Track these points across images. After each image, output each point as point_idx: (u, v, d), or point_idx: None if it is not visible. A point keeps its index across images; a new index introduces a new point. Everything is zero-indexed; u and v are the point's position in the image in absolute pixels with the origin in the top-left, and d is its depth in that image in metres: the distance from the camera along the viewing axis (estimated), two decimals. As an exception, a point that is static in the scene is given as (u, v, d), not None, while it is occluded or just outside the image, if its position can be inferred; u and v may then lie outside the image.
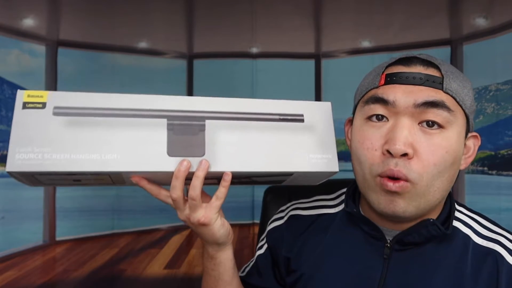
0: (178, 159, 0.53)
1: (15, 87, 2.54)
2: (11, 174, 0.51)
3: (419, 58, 0.58)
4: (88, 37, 2.70)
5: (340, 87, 2.83)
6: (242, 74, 2.79)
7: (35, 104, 0.53)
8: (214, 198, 0.57)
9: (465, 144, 0.58)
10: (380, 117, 0.57)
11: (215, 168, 0.55)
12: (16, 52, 2.55)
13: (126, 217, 2.79)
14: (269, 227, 0.74)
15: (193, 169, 0.53)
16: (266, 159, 0.57)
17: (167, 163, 0.53)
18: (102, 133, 0.52)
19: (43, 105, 0.53)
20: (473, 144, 0.60)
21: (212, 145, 0.55)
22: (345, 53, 2.88)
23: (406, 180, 0.54)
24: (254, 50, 2.81)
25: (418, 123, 0.54)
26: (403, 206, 0.55)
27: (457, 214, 0.62)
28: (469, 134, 0.59)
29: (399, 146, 0.53)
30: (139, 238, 2.79)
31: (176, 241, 2.80)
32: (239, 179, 0.59)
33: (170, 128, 0.55)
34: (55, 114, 0.52)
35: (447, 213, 0.61)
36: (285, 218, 0.72)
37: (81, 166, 0.51)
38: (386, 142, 0.55)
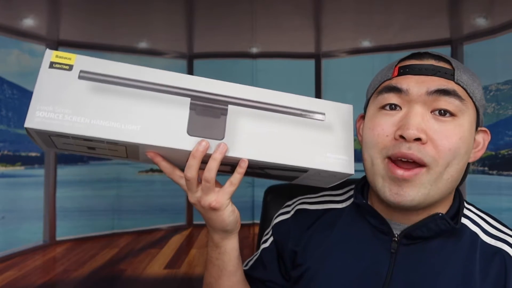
0: (197, 139, 0.53)
1: (15, 87, 2.54)
2: (28, 130, 0.50)
3: (431, 53, 0.59)
4: (88, 37, 2.70)
5: (340, 87, 2.83)
6: (242, 74, 2.79)
7: (62, 65, 0.52)
8: (227, 184, 0.57)
9: (474, 139, 0.59)
10: (393, 107, 0.57)
11: (233, 153, 0.55)
12: (16, 52, 2.55)
13: (126, 217, 2.79)
14: (275, 221, 0.74)
15: (210, 151, 0.53)
16: (284, 151, 0.57)
17: (186, 142, 0.53)
18: (125, 103, 0.52)
19: (70, 67, 0.52)
20: (483, 138, 0.61)
21: (232, 130, 0.55)
22: (345, 53, 2.88)
23: (422, 164, 0.54)
24: (254, 50, 2.81)
25: (431, 112, 0.55)
26: (412, 194, 0.55)
27: (466, 211, 0.62)
28: (479, 129, 0.60)
29: (413, 131, 0.53)
30: (139, 238, 2.79)
31: (176, 241, 2.80)
32: (253, 168, 0.59)
33: (193, 107, 0.54)
34: (80, 77, 0.51)
35: (456, 209, 0.61)
36: (292, 212, 0.72)
37: (100, 132, 0.50)
38: (399, 128, 0.55)
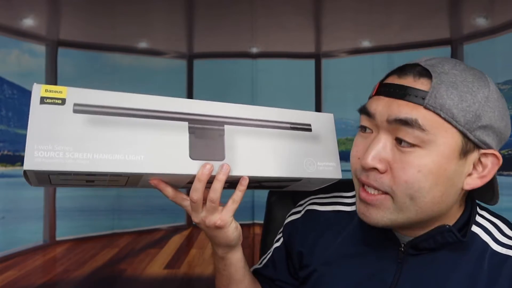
0: (200, 162, 0.54)
1: (15, 87, 2.54)
2: (27, 172, 0.48)
3: (419, 66, 0.54)
4: (88, 37, 2.69)
5: (340, 87, 2.83)
6: (242, 74, 2.79)
7: (54, 100, 0.50)
8: (230, 202, 0.59)
9: (481, 162, 0.54)
10: (367, 129, 0.57)
11: (234, 172, 0.56)
12: (16, 52, 2.55)
13: (126, 217, 2.79)
14: (286, 221, 0.75)
15: (213, 173, 0.55)
16: (280, 165, 0.59)
17: (190, 166, 0.54)
18: (125, 133, 0.51)
19: (63, 101, 0.50)
20: (491, 162, 0.54)
21: (231, 149, 0.57)
22: (345, 53, 2.88)
23: (383, 192, 0.54)
24: (254, 50, 2.81)
25: (395, 139, 0.53)
26: (374, 217, 0.56)
27: (478, 219, 0.60)
28: (482, 151, 0.54)
29: (368, 161, 0.53)
30: (139, 238, 2.78)
31: (176, 241, 2.80)
32: (250, 183, 0.60)
33: (192, 131, 0.55)
34: (75, 111, 0.50)
35: (466, 219, 0.58)
36: (302, 212, 0.73)
37: (104, 167, 0.49)
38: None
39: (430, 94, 0.51)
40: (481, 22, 2.51)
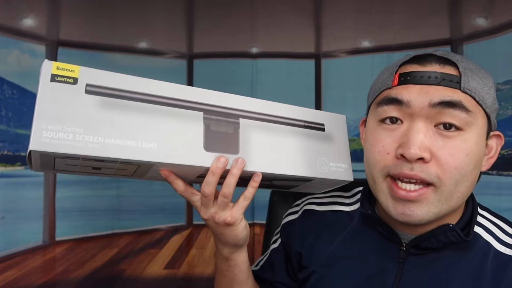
0: (214, 154, 0.52)
1: (15, 87, 2.54)
2: (32, 154, 0.44)
3: (435, 55, 0.54)
4: (88, 37, 2.69)
5: (340, 87, 2.83)
6: (242, 74, 2.79)
7: (66, 78, 0.47)
8: (242, 198, 0.56)
9: (487, 144, 0.55)
10: (394, 120, 0.54)
11: (249, 167, 0.54)
12: (16, 52, 2.55)
13: (126, 217, 2.79)
14: (283, 221, 0.74)
15: (227, 166, 0.53)
16: (294, 163, 0.57)
17: (204, 158, 0.51)
18: (138, 119, 0.48)
19: (75, 80, 0.47)
20: (496, 143, 0.57)
21: (245, 144, 0.55)
22: (345, 53, 2.87)
23: (427, 184, 0.51)
24: (254, 50, 2.80)
25: (435, 126, 0.51)
26: (420, 214, 0.52)
27: (479, 219, 0.58)
28: (491, 133, 0.56)
29: (414, 150, 0.50)
30: (139, 238, 2.78)
31: (176, 241, 2.79)
32: (261, 181, 0.58)
33: (207, 122, 0.53)
34: (88, 92, 0.47)
35: (468, 218, 0.57)
36: (300, 213, 0.71)
37: (116, 152, 0.46)
38: (400, 146, 0.52)
39: (463, 78, 0.52)
40: (481, 22, 2.51)
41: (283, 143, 0.57)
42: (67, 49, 2.69)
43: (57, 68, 0.48)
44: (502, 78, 2.49)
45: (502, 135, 0.57)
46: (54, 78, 0.47)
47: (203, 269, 2.48)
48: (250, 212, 2.54)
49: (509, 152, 2.45)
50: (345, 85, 2.78)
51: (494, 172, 2.56)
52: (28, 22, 2.54)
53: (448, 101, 0.51)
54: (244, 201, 0.56)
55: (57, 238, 2.64)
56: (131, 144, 0.47)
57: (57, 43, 2.63)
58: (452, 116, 0.51)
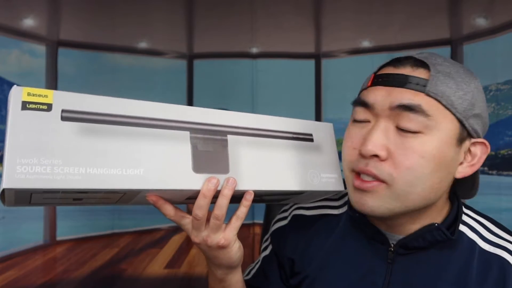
0: (204, 176, 0.49)
1: (15, 87, 2.54)
2: (5, 191, 0.40)
3: (412, 58, 0.55)
4: (88, 37, 2.69)
5: (340, 87, 2.83)
6: (242, 74, 2.79)
7: (38, 105, 0.43)
8: (234, 219, 0.55)
9: (470, 150, 0.55)
10: (364, 119, 0.56)
11: (240, 186, 0.51)
12: (16, 52, 2.55)
13: (126, 217, 2.79)
14: (272, 228, 0.73)
15: (218, 187, 0.50)
16: (286, 178, 0.56)
17: (193, 180, 0.48)
18: (120, 144, 0.45)
19: (49, 106, 0.43)
20: (480, 151, 0.56)
21: (234, 162, 0.52)
22: (345, 53, 2.88)
23: (379, 180, 0.53)
24: (254, 50, 2.81)
25: (396, 126, 0.53)
26: (370, 205, 0.54)
27: (464, 217, 0.60)
28: (473, 140, 0.55)
29: (369, 147, 0.52)
30: (139, 238, 2.78)
31: (176, 241, 2.80)
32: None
33: (194, 142, 0.50)
34: (64, 119, 0.43)
35: (454, 217, 0.59)
36: (289, 218, 0.71)
37: (99, 183, 0.43)
38: (361, 144, 0.55)
39: (431, 82, 0.52)
40: (481, 22, 2.51)
41: (273, 158, 0.55)
42: (67, 49, 2.69)
43: (28, 94, 0.43)
44: (502, 78, 2.49)
45: (487, 144, 0.56)
46: (25, 105, 0.42)
47: (203, 269, 2.48)
48: (250, 212, 2.54)
49: (509, 152, 2.45)
50: (345, 85, 2.78)
51: (494, 172, 2.57)
52: (28, 22, 2.54)
53: (405, 104, 0.52)
54: (236, 222, 0.55)
55: (58, 238, 2.64)
56: (115, 172, 0.44)
57: (57, 43, 2.63)
58: (409, 119, 0.52)
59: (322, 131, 0.62)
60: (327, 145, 0.61)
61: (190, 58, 2.92)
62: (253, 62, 2.79)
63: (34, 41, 2.60)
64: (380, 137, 0.53)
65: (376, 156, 0.53)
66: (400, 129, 0.53)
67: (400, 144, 0.52)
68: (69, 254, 2.55)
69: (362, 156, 0.54)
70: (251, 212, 2.77)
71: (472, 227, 0.59)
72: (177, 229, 2.95)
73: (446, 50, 2.63)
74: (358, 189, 0.55)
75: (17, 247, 2.47)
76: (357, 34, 2.79)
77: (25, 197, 0.44)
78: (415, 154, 0.52)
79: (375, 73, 0.58)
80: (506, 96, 2.53)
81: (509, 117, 2.52)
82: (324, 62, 2.88)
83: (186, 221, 0.53)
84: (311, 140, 0.60)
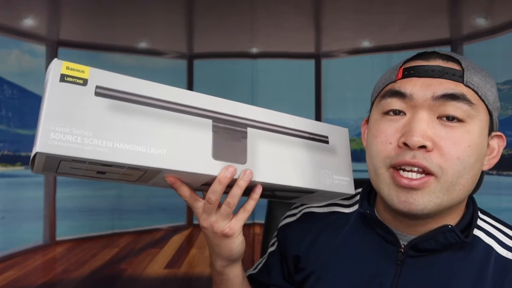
0: (222, 163, 0.51)
1: (15, 87, 2.54)
2: (37, 156, 0.43)
3: (439, 53, 0.56)
4: (88, 37, 2.69)
5: (340, 87, 2.83)
6: (242, 74, 2.79)
7: (75, 79, 0.45)
8: (241, 210, 0.56)
9: (488, 144, 0.55)
10: (397, 112, 0.54)
11: (255, 177, 0.53)
12: (16, 52, 2.55)
13: (126, 217, 2.79)
14: (281, 224, 0.73)
15: (235, 176, 0.52)
16: (299, 175, 0.57)
17: (212, 167, 0.51)
18: (147, 124, 0.47)
19: (84, 81, 0.46)
20: (498, 144, 0.56)
21: (252, 154, 0.54)
22: (345, 53, 2.88)
23: (428, 173, 0.51)
24: (254, 50, 2.81)
25: (437, 117, 0.52)
26: (422, 202, 0.52)
27: (480, 222, 0.57)
28: (493, 133, 0.55)
29: (417, 138, 0.50)
30: (139, 238, 2.78)
31: (176, 241, 2.80)
32: (264, 191, 0.57)
33: (216, 130, 0.52)
34: (97, 94, 0.46)
35: (469, 220, 0.57)
36: (298, 215, 0.71)
37: (125, 158, 0.45)
38: (403, 135, 0.52)
39: (466, 73, 0.53)
40: (481, 22, 2.51)
41: (289, 154, 0.57)
42: (67, 49, 2.69)
43: (66, 68, 0.46)
44: (502, 78, 2.49)
45: (504, 136, 0.56)
46: (63, 78, 0.45)
47: (203, 269, 2.48)
48: (250, 212, 2.54)
49: (509, 152, 2.45)
50: (345, 85, 2.79)
51: (494, 172, 2.56)
52: (28, 22, 2.54)
53: (451, 93, 0.51)
54: (243, 214, 0.56)
55: (58, 238, 2.64)
56: (140, 149, 0.46)
57: (57, 43, 2.63)
58: (455, 108, 0.51)
59: (338, 134, 0.63)
60: (342, 148, 0.62)
61: (190, 58, 2.92)
62: (253, 62, 2.79)
63: (34, 41, 2.60)
64: (425, 127, 0.51)
65: (423, 147, 0.51)
66: (443, 119, 0.52)
67: (445, 134, 0.51)
68: (69, 254, 2.55)
69: (408, 148, 0.51)
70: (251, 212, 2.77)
71: (489, 232, 0.57)
72: (177, 229, 2.95)
73: (446, 50, 2.63)
74: (404, 188, 0.52)
75: (17, 247, 2.47)
76: (357, 34, 2.79)
77: (53, 164, 0.46)
78: (463, 143, 0.51)
79: (401, 66, 0.57)
80: (506, 96, 2.53)
81: (509, 117, 2.52)
82: (324, 62, 2.88)
83: (199, 204, 0.55)
84: (327, 142, 0.61)
